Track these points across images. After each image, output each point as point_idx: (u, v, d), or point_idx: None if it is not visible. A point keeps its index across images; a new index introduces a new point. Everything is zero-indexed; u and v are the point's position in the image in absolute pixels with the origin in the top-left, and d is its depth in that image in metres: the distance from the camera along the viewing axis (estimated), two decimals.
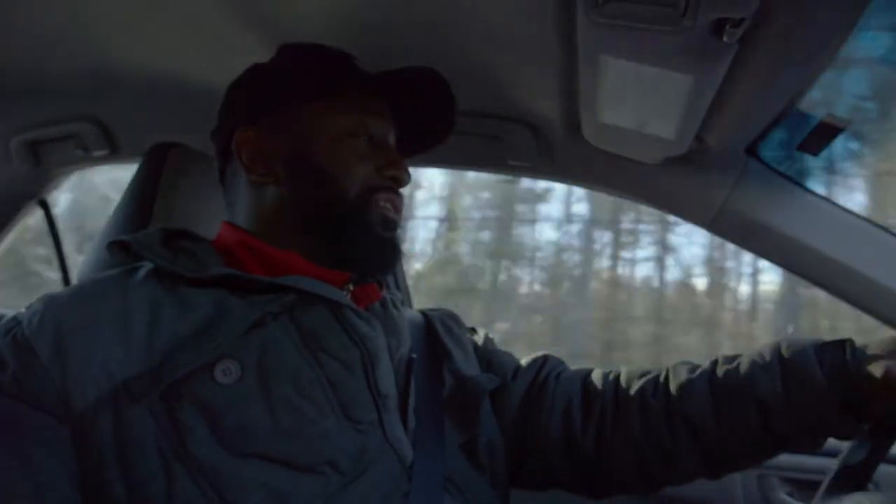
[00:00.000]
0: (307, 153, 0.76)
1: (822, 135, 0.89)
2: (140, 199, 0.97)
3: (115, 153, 1.37)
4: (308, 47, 0.82)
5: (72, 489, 0.60)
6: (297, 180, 0.76)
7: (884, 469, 0.76)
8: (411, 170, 0.81)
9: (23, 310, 0.66)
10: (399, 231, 0.80)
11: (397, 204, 0.79)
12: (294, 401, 0.64)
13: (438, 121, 0.88)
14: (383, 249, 0.77)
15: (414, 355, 0.78)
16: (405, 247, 0.85)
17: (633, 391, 0.81)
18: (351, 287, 0.77)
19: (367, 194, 0.76)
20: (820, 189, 1.00)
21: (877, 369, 0.68)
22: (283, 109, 0.78)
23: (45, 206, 1.65)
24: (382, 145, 0.80)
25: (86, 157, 1.40)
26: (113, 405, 0.60)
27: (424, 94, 0.84)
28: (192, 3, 0.90)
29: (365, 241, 0.76)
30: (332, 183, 0.75)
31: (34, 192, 1.59)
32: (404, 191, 0.82)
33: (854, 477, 0.72)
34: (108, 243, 0.76)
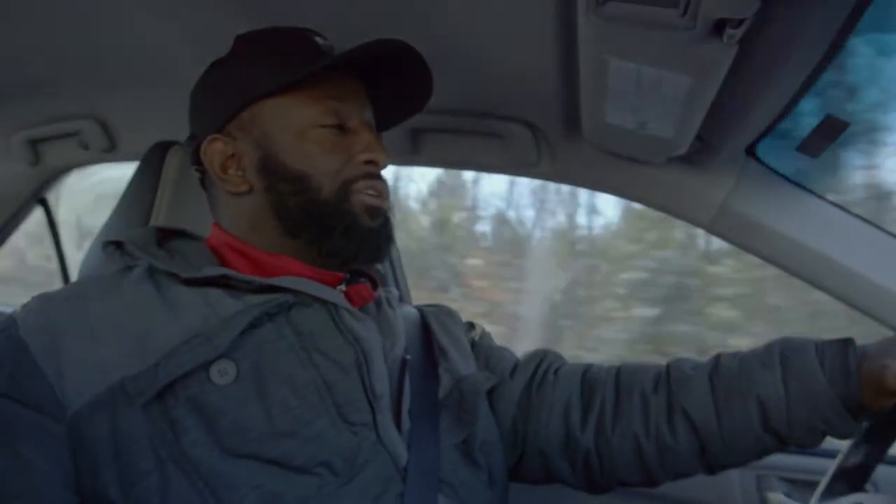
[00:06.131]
0: (275, 155, 0.73)
1: (822, 136, 0.89)
2: (140, 198, 0.96)
3: (115, 151, 1.37)
4: (262, 35, 0.78)
5: (67, 490, 0.60)
6: (272, 186, 0.73)
7: (882, 470, 0.77)
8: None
9: (18, 308, 0.66)
10: (388, 216, 0.77)
11: (380, 188, 0.75)
12: (289, 402, 0.64)
13: (414, 86, 0.81)
14: (372, 239, 0.74)
15: (408, 356, 0.77)
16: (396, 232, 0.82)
17: (633, 386, 0.80)
18: (343, 287, 0.76)
19: (344, 188, 0.73)
20: (819, 190, 1.01)
21: (877, 370, 0.68)
22: (245, 111, 0.74)
23: (45, 205, 1.66)
24: (354, 129, 0.76)
25: (86, 155, 1.40)
26: (108, 405, 0.60)
27: (395, 63, 0.78)
28: (195, 1, 0.90)
29: (352, 235, 0.74)
30: (305, 183, 0.72)
31: (34, 191, 1.59)
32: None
33: (852, 477, 0.72)
34: (104, 243, 0.75)
